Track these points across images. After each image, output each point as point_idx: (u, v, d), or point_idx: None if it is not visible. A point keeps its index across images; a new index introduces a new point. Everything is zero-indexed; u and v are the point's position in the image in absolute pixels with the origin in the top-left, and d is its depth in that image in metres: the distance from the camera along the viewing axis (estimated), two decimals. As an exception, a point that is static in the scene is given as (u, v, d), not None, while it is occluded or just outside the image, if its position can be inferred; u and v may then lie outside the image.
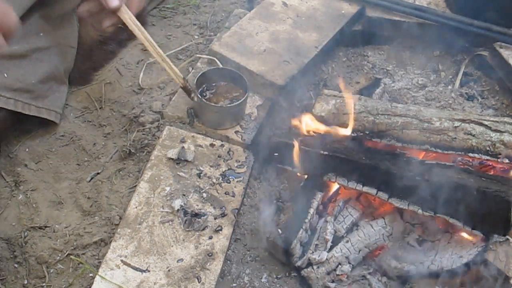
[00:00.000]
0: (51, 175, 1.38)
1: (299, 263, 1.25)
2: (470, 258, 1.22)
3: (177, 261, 1.15)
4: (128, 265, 1.12)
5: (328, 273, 1.24)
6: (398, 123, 1.33)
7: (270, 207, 1.38)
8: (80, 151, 1.44)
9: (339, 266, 1.25)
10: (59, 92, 1.39)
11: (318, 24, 1.76)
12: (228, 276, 1.23)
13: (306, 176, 1.38)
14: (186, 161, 1.34)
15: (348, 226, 1.32)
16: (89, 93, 1.59)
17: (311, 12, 1.81)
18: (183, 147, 1.36)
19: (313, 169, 1.35)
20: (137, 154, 1.44)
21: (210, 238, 1.20)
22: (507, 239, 1.18)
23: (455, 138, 1.29)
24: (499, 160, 1.27)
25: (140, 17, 1.16)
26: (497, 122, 1.31)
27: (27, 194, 1.32)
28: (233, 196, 1.30)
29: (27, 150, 1.41)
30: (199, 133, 1.43)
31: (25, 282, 1.17)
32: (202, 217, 1.22)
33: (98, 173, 1.40)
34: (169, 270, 1.13)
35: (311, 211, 1.29)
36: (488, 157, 1.28)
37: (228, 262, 1.25)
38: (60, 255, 1.22)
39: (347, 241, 1.28)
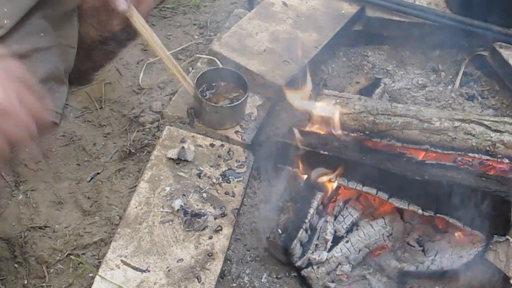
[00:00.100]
0: (51, 175, 1.38)
1: (299, 263, 1.25)
2: (470, 258, 1.22)
3: (177, 261, 1.15)
4: (128, 265, 1.12)
5: (328, 273, 1.24)
6: (398, 123, 1.33)
7: (270, 207, 1.38)
8: (80, 151, 1.44)
9: (339, 266, 1.25)
10: (59, 92, 1.39)
11: (318, 24, 1.76)
12: (228, 276, 1.23)
13: (306, 176, 1.38)
14: (186, 161, 1.34)
15: (348, 226, 1.32)
16: (89, 93, 1.59)
17: (311, 12, 1.81)
18: (183, 147, 1.36)
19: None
20: (137, 154, 1.44)
21: (210, 238, 1.20)
22: (507, 239, 1.18)
23: (455, 138, 1.29)
24: (499, 160, 1.28)
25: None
26: (497, 122, 1.31)
27: (27, 194, 1.32)
28: (233, 196, 1.30)
29: (27, 150, 1.41)
30: (199, 133, 1.43)
31: (25, 282, 1.17)
32: (202, 217, 1.22)
33: (98, 173, 1.40)
34: (169, 270, 1.13)
35: (311, 211, 1.29)
36: (488, 157, 1.28)
37: (228, 262, 1.25)
38: (60, 255, 1.22)
39: (347, 241, 1.28)
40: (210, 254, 1.17)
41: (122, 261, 1.13)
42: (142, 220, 1.21)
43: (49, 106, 1.22)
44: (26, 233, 1.24)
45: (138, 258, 1.14)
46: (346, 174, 1.30)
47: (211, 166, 1.35)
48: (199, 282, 1.12)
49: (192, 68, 1.66)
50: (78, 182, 1.37)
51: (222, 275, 1.21)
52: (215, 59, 1.57)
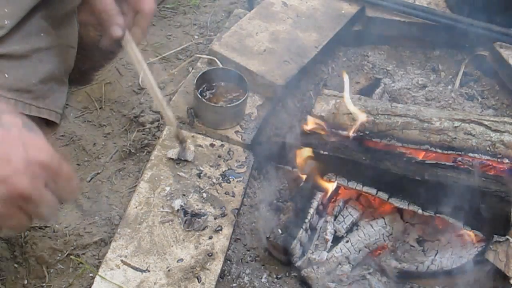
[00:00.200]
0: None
1: (299, 263, 1.25)
2: (470, 258, 1.22)
3: (177, 261, 1.15)
4: (128, 265, 1.12)
5: (328, 273, 1.24)
6: (398, 123, 1.33)
7: (270, 207, 1.38)
8: (80, 151, 1.44)
9: (339, 266, 1.25)
10: (59, 92, 1.39)
11: (318, 24, 1.76)
12: (228, 276, 1.23)
13: (306, 176, 1.38)
14: (186, 161, 1.34)
15: (348, 226, 1.32)
16: (89, 93, 1.59)
17: (311, 12, 1.81)
18: (183, 147, 1.36)
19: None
20: (137, 154, 1.44)
21: (210, 238, 1.20)
22: (507, 239, 1.18)
23: (455, 138, 1.29)
24: (499, 160, 1.28)
25: None
26: (497, 122, 1.31)
27: (27, 194, 1.32)
28: (233, 196, 1.30)
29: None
30: (199, 133, 1.43)
31: (25, 282, 1.17)
32: (202, 217, 1.22)
33: (98, 173, 1.40)
34: (169, 270, 1.13)
35: (311, 211, 1.29)
36: (488, 157, 1.28)
37: (228, 262, 1.25)
38: (60, 255, 1.22)
39: (347, 241, 1.28)
40: (210, 254, 1.17)
41: (122, 261, 1.13)
42: (142, 220, 1.21)
43: (49, 106, 1.23)
44: (26, 233, 1.24)
45: (138, 258, 1.14)
46: (346, 174, 1.31)
47: (211, 166, 1.35)
48: (199, 282, 1.12)
49: (192, 68, 1.66)
50: (78, 182, 1.37)
51: (222, 275, 1.21)
52: (215, 59, 1.57)
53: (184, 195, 1.27)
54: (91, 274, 1.17)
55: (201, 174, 1.33)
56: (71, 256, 1.21)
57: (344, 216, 1.34)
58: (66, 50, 1.27)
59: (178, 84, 1.64)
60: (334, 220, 1.33)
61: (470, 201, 1.19)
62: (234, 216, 1.26)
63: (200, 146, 1.39)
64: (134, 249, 1.15)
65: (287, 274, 1.28)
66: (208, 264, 1.16)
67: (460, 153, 1.30)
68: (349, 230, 1.33)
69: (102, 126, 1.52)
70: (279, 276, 1.27)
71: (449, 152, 1.30)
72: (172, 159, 1.34)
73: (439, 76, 1.87)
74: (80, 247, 1.23)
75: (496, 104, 1.77)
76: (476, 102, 1.77)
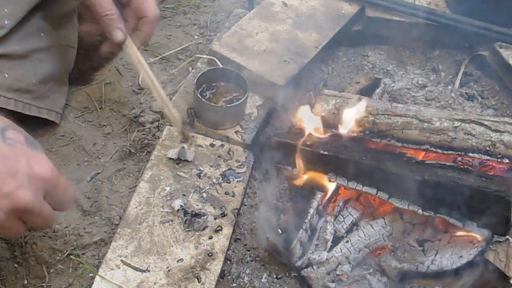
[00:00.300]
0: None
1: (299, 263, 1.25)
2: (470, 258, 1.22)
3: (177, 261, 1.15)
4: (128, 265, 1.12)
5: (328, 273, 1.24)
6: (398, 123, 1.33)
7: (270, 207, 1.38)
8: (80, 151, 1.44)
9: (339, 266, 1.25)
10: (59, 92, 1.39)
11: (318, 24, 1.76)
12: (228, 276, 1.23)
13: (306, 176, 1.38)
14: (186, 161, 1.35)
15: (348, 226, 1.32)
16: (89, 93, 1.59)
17: (311, 12, 1.81)
18: (183, 147, 1.36)
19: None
20: (137, 154, 1.44)
21: (210, 238, 1.20)
22: (507, 239, 1.19)
23: (455, 138, 1.29)
24: (499, 160, 1.28)
25: None
26: (497, 122, 1.31)
27: (27, 194, 1.32)
28: (233, 196, 1.30)
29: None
30: (199, 133, 1.43)
31: (25, 282, 1.17)
32: (202, 217, 1.22)
33: (98, 173, 1.40)
34: (169, 270, 1.13)
35: (311, 211, 1.29)
36: (488, 157, 1.28)
37: (228, 262, 1.25)
38: (60, 255, 1.22)
39: (347, 241, 1.28)
40: (210, 254, 1.17)
41: (122, 261, 1.13)
42: (142, 220, 1.21)
43: (49, 106, 1.23)
44: (26, 233, 1.24)
45: (138, 258, 1.14)
46: (346, 174, 1.31)
47: (211, 166, 1.35)
48: (199, 282, 1.12)
49: (192, 68, 1.66)
50: (78, 182, 1.37)
51: (222, 275, 1.21)
52: (215, 59, 1.57)
53: (184, 195, 1.27)
54: (91, 274, 1.17)
55: (201, 174, 1.33)
56: (71, 256, 1.21)
57: (344, 216, 1.34)
58: (66, 50, 1.28)
59: (178, 84, 1.64)
60: (334, 220, 1.33)
61: (470, 201, 1.19)
62: (234, 216, 1.26)
63: (200, 146, 1.39)
64: (134, 249, 1.15)
65: (287, 274, 1.28)
66: (208, 264, 1.16)
67: (460, 153, 1.30)
68: (349, 230, 1.33)
69: (102, 126, 1.52)
70: (279, 276, 1.27)
71: (449, 152, 1.30)
72: (172, 159, 1.34)
73: (439, 76, 1.87)
74: (80, 247, 1.23)
75: (496, 104, 1.77)
76: (476, 102, 1.77)
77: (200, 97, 1.39)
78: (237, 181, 1.34)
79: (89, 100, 1.58)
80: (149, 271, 1.12)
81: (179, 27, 1.90)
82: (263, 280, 1.25)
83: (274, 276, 1.26)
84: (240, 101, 1.40)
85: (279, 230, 1.27)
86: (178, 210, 1.23)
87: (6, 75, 1.17)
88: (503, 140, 1.27)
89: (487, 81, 1.83)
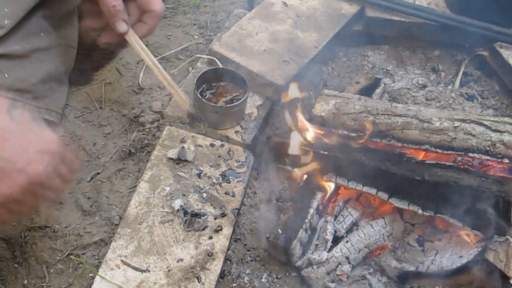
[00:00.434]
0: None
1: (299, 263, 1.25)
2: (470, 258, 1.22)
3: (177, 261, 1.15)
4: (128, 265, 1.12)
5: (328, 273, 1.24)
6: (398, 123, 1.33)
7: (270, 207, 1.38)
8: (80, 151, 1.44)
9: (339, 266, 1.25)
10: (59, 92, 1.39)
11: (318, 24, 1.76)
12: (228, 276, 1.23)
13: (306, 176, 1.38)
14: (186, 161, 1.34)
15: (348, 226, 1.32)
16: (89, 93, 1.59)
17: (311, 12, 1.81)
18: (183, 147, 1.36)
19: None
20: (137, 154, 1.44)
21: (210, 238, 1.20)
22: (507, 239, 1.18)
23: (455, 138, 1.29)
24: (499, 160, 1.27)
25: None
26: (497, 122, 1.31)
27: (27, 194, 1.32)
28: (233, 196, 1.30)
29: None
30: (199, 133, 1.43)
31: (25, 282, 1.17)
32: (202, 217, 1.22)
33: (98, 173, 1.40)
34: (169, 270, 1.13)
35: (311, 211, 1.29)
36: (488, 157, 1.28)
37: (228, 262, 1.25)
38: (60, 255, 1.22)
39: (347, 241, 1.28)
40: (210, 254, 1.17)
41: (122, 261, 1.13)
42: (142, 220, 1.21)
43: (49, 106, 1.22)
44: (26, 233, 1.24)
45: (138, 258, 1.14)
46: (346, 174, 1.30)
47: (211, 166, 1.35)
48: (199, 282, 1.12)
49: (192, 68, 1.66)
50: (78, 182, 1.37)
51: (222, 275, 1.21)
52: (215, 59, 1.57)
53: (184, 195, 1.27)
54: (91, 274, 1.17)
55: (201, 174, 1.33)
56: (71, 256, 1.21)
57: (344, 216, 1.34)
58: (66, 50, 1.27)
59: (178, 84, 1.64)
60: (334, 220, 1.33)
61: (470, 201, 1.19)
62: (234, 216, 1.26)
63: (200, 146, 1.39)
64: (134, 249, 1.15)
65: (287, 274, 1.28)
66: (208, 264, 1.16)
67: (460, 153, 1.30)
68: (349, 230, 1.33)
69: (102, 126, 1.52)
70: (279, 276, 1.27)
71: (449, 152, 1.30)
72: (172, 159, 1.34)
73: (439, 76, 1.87)
74: (80, 247, 1.23)
75: (496, 104, 1.77)
76: (476, 102, 1.77)
77: (200, 97, 1.39)
78: (237, 181, 1.34)
79: (89, 100, 1.58)
80: (149, 271, 1.12)
81: (179, 27, 1.90)
82: (263, 280, 1.25)
83: (274, 276, 1.26)
84: (240, 101, 1.40)
85: (279, 230, 1.27)
86: (178, 210, 1.23)
87: (6, 75, 1.17)
88: (503, 140, 1.27)
89: (487, 81, 1.83)
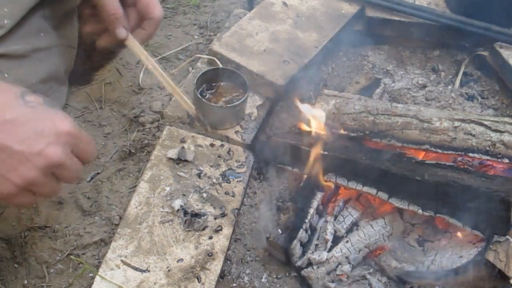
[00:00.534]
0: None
1: (299, 263, 1.25)
2: (470, 258, 1.22)
3: (177, 261, 1.15)
4: (128, 265, 1.12)
5: (328, 273, 1.24)
6: (398, 123, 1.33)
7: (270, 207, 1.38)
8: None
9: (339, 266, 1.25)
10: (59, 92, 1.39)
11: (318, 24, 1.76)
12: (228, 276, 1.23)
13: (306, 176, 1.38)
14: (186, 161, 1.34)
15: (348, 226, 1.32)
16: (89, 93, 1.59)
17: (311, 12, 1.81)
18: (183, 147, 1.36)
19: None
20: (137, 154, 1.44)
21: (210, 238, 1.20)
22: (507, 239, 1.18)
23: (455, 138, 1.29)
24: (499, 160, 1.28)
25: None
26: (497, 122, 1.31)
27: (27, 194, 1.32)
28: (233, 196, 1.30)
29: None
30: (199, 133, 1.43)
31: (25, 282, 1.17)
32: (202, 217, 1.22)
33: (98, 173, 1.40)
34: (169, 270, 1.13)
35: (311, 211, 1.29)
36: (488, 157, 1.28)
37: (228, 262, 1.25)
38: (60, 255, 1.22)
39: (347, 241, 1.28)
40: (210, 254, 1.17)
41: (122, 261, 1.13)
42: (142, 220, 1.21)
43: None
44: (26, 233, 1.24)
45: (138, 258, 1.14)
46: (346, 174, 1.31)
47: (211, 166, 1.35)
48: (199, 282, 1.12)
49: (192, 68, 1.66)
50: (78, 182, 1.37)
51: (222, 275, 1.21)
52: (215, 59, 1.57)
53: (184, 195, 1.27)
54: (91, 274, 1.17)
55: (201, 174, 1.33)
56: (71, 256, 1.21)
57: (344, 216, 1.34)
58: (66, 50, 1.27)
59: (178, 84, 1.64)
60: (334, 220, 1.33)
61: (470, 201, 1.19)
62: (234, 216, 1.26)
63: (200, 146, 1.39)
64: (134, 249, 1.15)
65: (287, 274, 1.28)
66: (208, 264, 1.16)
67: (460, 153, 1.30)
68: (349, 230, 1.33)
69: (102, 126, 1.52)
70: (279, 276, 1.27)
71: (449, 152, 1.30)
72: (172, 159, 1.34)
73: (439, 76, 1.87)
74: (80, 247, 1.23)
75: (496, 104, 1.77)
76: (476, 102, 1.77)
77: (200, 97, 1.39)
78: (237, 181, 1.34)
79: (89, 100, 1.58)
80: (149, 271, 1.12)
81: (179, 27, 1.90)
82: (263, 280, 1.25)
83: (274, 276, 1.26)
84: (240, 101, 1.39)
85: (279, 230, 1.27)
86: (178, 210, 1.23)
87: (6, 75, 1.17)
88: (503, 140, 1.27)
89: (487, 81, 1.83)
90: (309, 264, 1.25)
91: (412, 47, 1.93)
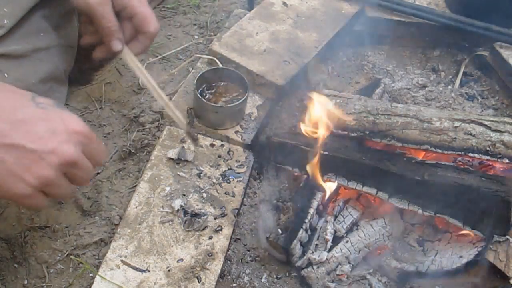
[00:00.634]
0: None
1: (299, 263, 1.25)
2: (470, 258, 1.22)
3: (177, 261, 1.15)
4: (128, 265, 1.12)
5: (328, 273, 1.24)
6: (398, 123, 1.33)
7: (270, 207, 1.38)
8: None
9: (339, 266, 1.25)
10: (59, 92, 1.39)
11: (318, 24, 1.76)
12: (228, 276, 1.23)
13: (306, 176, 1.38)
14: (186, 161, 1.34)
15: (348, 226, 1.32)
16: (89, 93, 1.59)
17: (311, 12, 1.81)
18: (183, 147, 1.36)
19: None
20: (137, 154, 1.44)
21: (210, 238, 1.20)
22: (507, 239, 1.18)
23: (455, 138, 1.29)
24: (499, 160, 1.27)
25: None
26: (497, 122, 1.31)
27: (27, 194, 1.32)
28: (233, 196, 1.30)
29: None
30: (199, 133, 1.43)
31: (25, 282, 1.17)
32: (202, 217, 1.22)
33: (98, 173, 1.40)
34: (169, 270, 1.13)
35: (311, 211, 1.29)
36: (488, 157, 1.28)
37: (228, 262, 1.25)
38: (60, 255, 1.22)
39: (347, 241, 1.28)
40: (210, 254, 1.17)
41: (122, 261, 1.13)
42: (142, 220, 1.21)
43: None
44: (26, 233, 1.24)
45: (138, 258, 1.14)
46: (346, 174, 1.31)
47: (211, 166, 1.35)
48: (199, 282, 1.12)
49: (192, 68, 1.66)
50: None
51: (222, 275, 1.21)
52: (215, 59, 1.57)
53: (184, 195, 1.27)
54: (91, 274, 1.17)
55: (201, 174, 1.33)
56: (71, 256, 1.21)
57: (344, 216, 1.34)
58: (66, 50, 1.27)
59: (178, 84, 1.64)
60: (334, 220, 1.33)
61: (470, 201, 1.19)
62: (234, 216, 1.26)
63: (200, 146, 1.39)
64: (134, 249, 1.15)
65: (287, 274, 1.28)
66: (208, 264, 1.16)
67: (460, 153, 1.30)
68: (349, 230, 1.33)
69: (102, 126, 1.52)
70: (279, 276, 1.27)
71: (449, 152, 1.30)
72: (172, 159, 1.34)
73: (439, 76, 1.87)
74: (80, 247, 1.23)
75: (496, 104, 1.77)
76: (476, 102, 1.77)
77: (200, 97, 1.39)
78: (237, 181, 1.34)
79: (89, 100, 1.58)
80: (149, 271, 1.12)
81: (179, 27, 1.90)
82: (263, 280, 1.25)
83: (274, 276, 1.26)
84: (240, 101, 1.39)
85: (279, 230, 1.27)
86: (178, 210, 1.23)
87: (6, 75, 1.17)
88: (503, 140, 1.27)
89: (487, 81, 1.83)
90: (309, 264, 1.25)
91: (412, 47, 1.93)
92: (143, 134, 1.48)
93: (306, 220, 1.27)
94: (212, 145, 1.40)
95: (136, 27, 1.11)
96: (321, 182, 1.32)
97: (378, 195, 1.27)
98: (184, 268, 1.14)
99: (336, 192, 1.38)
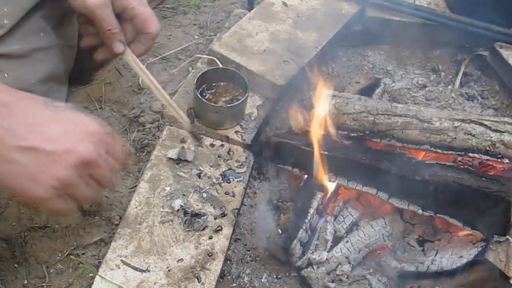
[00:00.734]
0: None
1: (299, 263, 1.25)
2: (470, 258, 1.22)
3: (177, 261, 1.15)
4: (128, 265, 1.12)
5: (328, 273, 1.24)
6: (398, 123, 1.33)
7: (270, 207, 1.38)
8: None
9: (339, 266, 1.25)
10: (59, 92, 1.39)
11: (318, 24, 1.76)
12: (228, 276, 1.23)
13: (306, 176, 1.38)
14: (186, 161, 1.34)
15: (348, 226, 1.32)
16: (89, 93, 1.59)
17: (311, 12, 1.81)
18: (183, 147, 1.36)
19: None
20: (137, 154, 1.44)
21: (210, 238, 1.20)
22: (507, 239, 1.19)
23: (455, 138, 1.29)
24: (499, 160, 1.27)
25: None
26: (497, 122, 1.31)
27: (27, 194, 1.32)
28: (233, 196, 1.30)
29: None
30: (199, 133, 1.43)
31: (25, 282, 1.17)
32: (202, 217, 1.22)
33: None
34: (169, 270, 1.13)
35: (311, 211, 1.29)
36: (488, 157, 1.28)
37: (228, 262, 1.25)
38: (60, 255, 1.22)
39: (347, 241, 1.28)
40: (210, 254, 1.17)
41: (122, 261, 1.13)
42: (142, 220, 1.21)
43: None
44: (26, 233, 1.24)
45: (138, 258, 1.14)
46: (346, 174, 1.31)
47: (211, 166, 1.35)
48: (199, 282, 1.12)
49: (192, 68, 1.66)
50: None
51: (222, 275, 1.21)
52: (215, 59, 1.57)
53: (184, 195, 1.27)
54: (91, 274, 1.17)
55: (201, 174, 1.33)
56: (71, 256, 1.21)
57: (344, 216, 1.34)
58: (66, 50, 1.27)
59: (178, 84, 1.64)
60: (334, 220, 1.33)
61: (470, 201, 1.19)
62: (234, 216, 1.26)
63: (200, 146, 1.39)
64: (134, 249, 1.15)
65: (287, 274, 1.28)
66: (208, 264, 1.16)
67: (460, 153, 1.30)
68: (349, 230, 1.33)
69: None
70: (279, 276, 1.27)
71: (449, 152, 1.30)
72: (172, 159, 1.34)
73: (439, 76, 1.87)
74: (80, 247, 1.23)
75: (496, 104, 1.77)
76: (476, 102, 1.77)
77: (200, 97, 1.39)
78: (237, 181, 1.34)
79: (89, 100, 1.58)
80: (149, 271, 1.12)
81: (179, 27, 1.90)
82: (263, 280, 1.25)
83: (274, 276, 1.26)
84: (240, 101, 1.39)
85: (279, 230, 1.27)
86: (178, 210, 1.23)
87: (6, 75, 1.17)
88: (503, 140, 1.27)
89: (487, 81, 1.83)
90: (309, 264, 1.25)
91: (412, 47, 1.93)
92: (143, 134, 1.48)
93: (306, 220, 1.27)
94: (212, 145, 1.40)
95: (137, 28, 1.11)
96: (325, 182, 1.32)
97: (378, 195, 1.27)
98: (184, 268, 1.14)
99: (336, 192, 1.38)
